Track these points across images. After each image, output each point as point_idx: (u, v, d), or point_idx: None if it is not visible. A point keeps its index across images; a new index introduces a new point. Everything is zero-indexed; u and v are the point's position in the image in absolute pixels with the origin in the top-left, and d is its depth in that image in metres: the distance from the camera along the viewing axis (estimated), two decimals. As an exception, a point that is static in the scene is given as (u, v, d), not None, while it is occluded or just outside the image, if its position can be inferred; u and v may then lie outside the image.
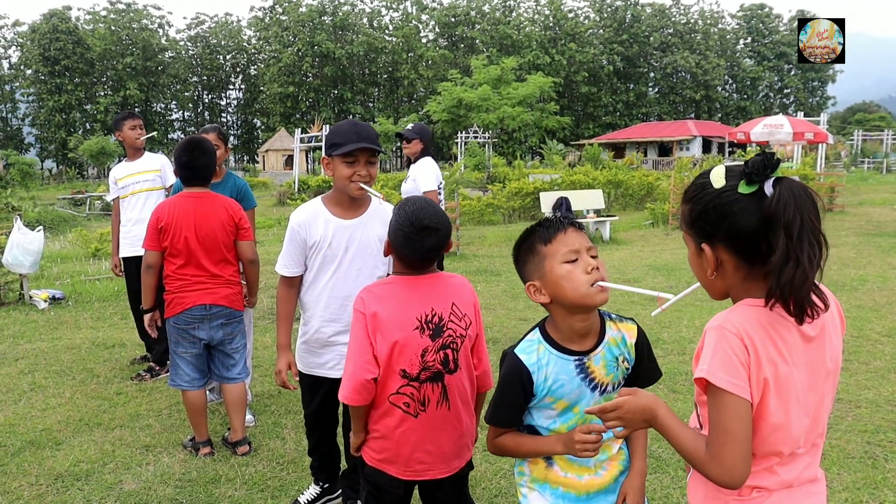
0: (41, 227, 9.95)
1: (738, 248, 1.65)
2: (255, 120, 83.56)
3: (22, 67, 75.56)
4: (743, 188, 1.62)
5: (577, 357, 2.15)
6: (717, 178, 1.67)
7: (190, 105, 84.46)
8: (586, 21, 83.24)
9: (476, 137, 43.89)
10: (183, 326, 4.41)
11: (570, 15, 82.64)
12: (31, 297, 9.19)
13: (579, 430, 2.08)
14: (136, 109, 72.26)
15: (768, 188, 1.59)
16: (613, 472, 2.26)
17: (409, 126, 7.21)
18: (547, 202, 15.52)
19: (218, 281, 4.43)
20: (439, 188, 6.94)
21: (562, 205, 15.03)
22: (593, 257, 2.11)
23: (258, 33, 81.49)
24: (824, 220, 1.62)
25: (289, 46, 75.38)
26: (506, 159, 41.17)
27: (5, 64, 77.79)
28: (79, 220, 22.18)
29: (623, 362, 2.21)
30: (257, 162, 58.48)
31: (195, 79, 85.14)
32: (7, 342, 7.63)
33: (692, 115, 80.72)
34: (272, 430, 4.97)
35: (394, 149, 64.06)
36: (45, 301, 9.07)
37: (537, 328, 2.22)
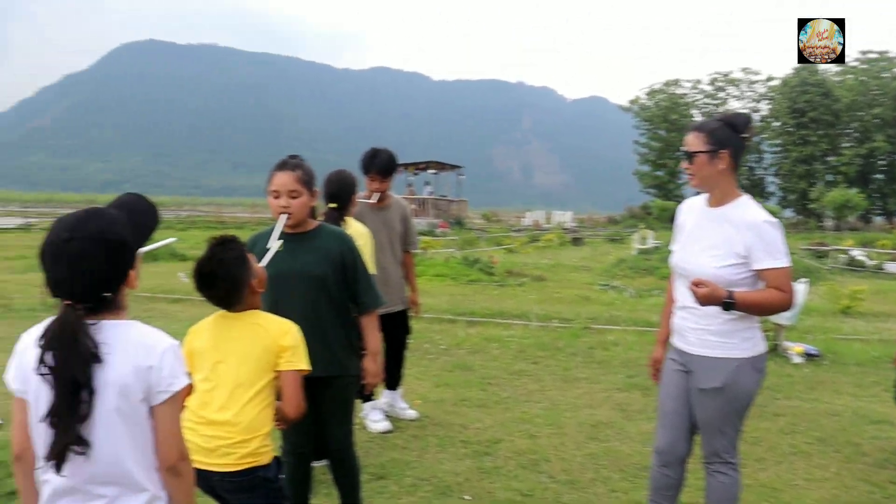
0: (804, 280, 9.66)
1: None
2: None
3: (770, 120, 78.86)
4: None
5: None
6: None
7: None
8: None
9: None
10: None
11: None
12: (784, 349, 8.93)
13: None
14: (881, 162, 68.57)
15: None
16: None
17: None
18: None
19: None
20: None
21: None
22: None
23: None
24: None
25: None
26: None
27: (756, 116, 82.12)
28: (821, 273, 21.53)
29: None
30: None
31: None
32: (762, 394, 7.46)
33: None
34: None
35: None
36: (800, 356, 8.69)
37: None
